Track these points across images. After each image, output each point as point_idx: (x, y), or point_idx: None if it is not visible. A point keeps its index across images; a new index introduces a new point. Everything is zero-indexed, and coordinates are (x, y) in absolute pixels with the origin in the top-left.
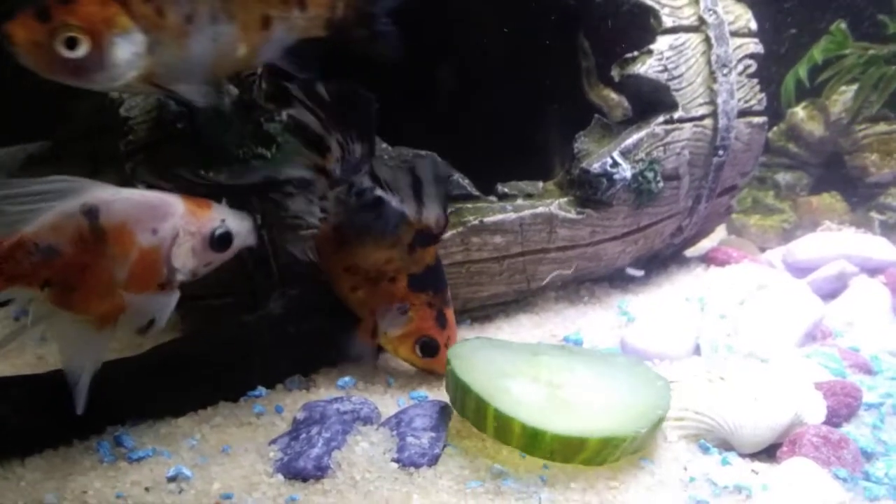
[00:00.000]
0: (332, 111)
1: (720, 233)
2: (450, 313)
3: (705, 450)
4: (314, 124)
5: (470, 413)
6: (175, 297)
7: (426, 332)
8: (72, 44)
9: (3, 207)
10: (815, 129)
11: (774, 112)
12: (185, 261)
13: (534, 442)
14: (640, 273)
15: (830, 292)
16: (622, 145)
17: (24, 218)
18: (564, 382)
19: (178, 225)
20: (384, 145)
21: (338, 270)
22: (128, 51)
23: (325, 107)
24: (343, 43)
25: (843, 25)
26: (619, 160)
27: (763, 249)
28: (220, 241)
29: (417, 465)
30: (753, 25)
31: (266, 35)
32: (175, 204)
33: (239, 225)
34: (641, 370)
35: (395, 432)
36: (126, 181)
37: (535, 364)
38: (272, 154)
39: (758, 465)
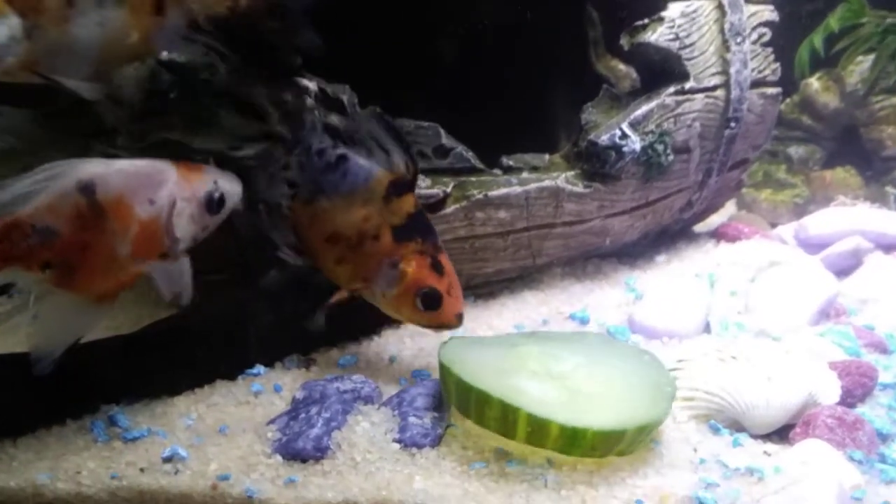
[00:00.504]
0: (243, 64)
1: (730, 208)
2: (445, 259)
3: (716, 430)
4: (234, 84)
5: (492, 421)
6: (187, 263)
7: (423, 282)
8: None
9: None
10: (830, 100)
11: (787, 83)
12: (186, 228)
13: (574, 441)
14: None
15: (844, 269)
16: (631, 117)
17: (18, 200)
18: (564, 373)
19: (174, 192)
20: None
21: (318, 244)
22: (3, 35)
23: (231, 61)
24: (254, 33)
25: None
26: (628, 132)
27: (774, 225)
28: (217, 203)
29: (419, 446)
30: None
31: (159, 21)
32: (167, 171)
33: (230, 185)
34: (621, 347)
35: (396, 412)
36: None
37: (522, 356)
38: None
39: (770, 447)
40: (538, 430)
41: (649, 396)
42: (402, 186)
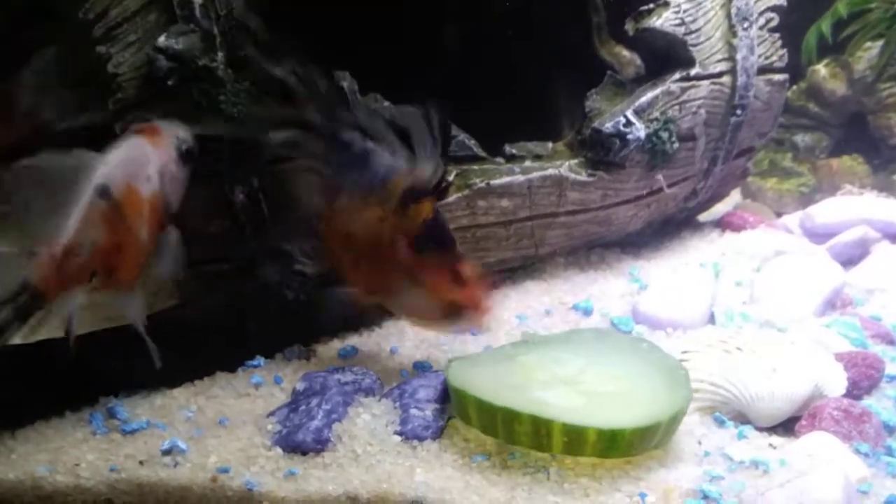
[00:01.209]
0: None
1: (735, 197)
2: (464, 266)
3: (720, 423)
4: (266, 63)
5: (524, 437)
6: (175, 232)
7: (444, 295)
8: None
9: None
10: (837, 87)
11: (794, 70)
12: (174, 190)
13: (612, 444)
14: None
15: (851, 259)
16: (636, 104)
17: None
18: (574, 377)
19: (158, 162)
20: (386, 104)
21: (335, 245)
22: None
23: (258, 42)
24: None
25: None
26: (633, 119)
27: (779, 214)
28: (187, 155)
29: (421, 438)
30: None
31: None
32: (143, 143)
33: (182, 132)
34: (616, 339)
35: (397, 404)
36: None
37: (525, 367)
38: None
39: (775, 439)
40: (575, 439)
41: (666, 384)
42: (420, 192)
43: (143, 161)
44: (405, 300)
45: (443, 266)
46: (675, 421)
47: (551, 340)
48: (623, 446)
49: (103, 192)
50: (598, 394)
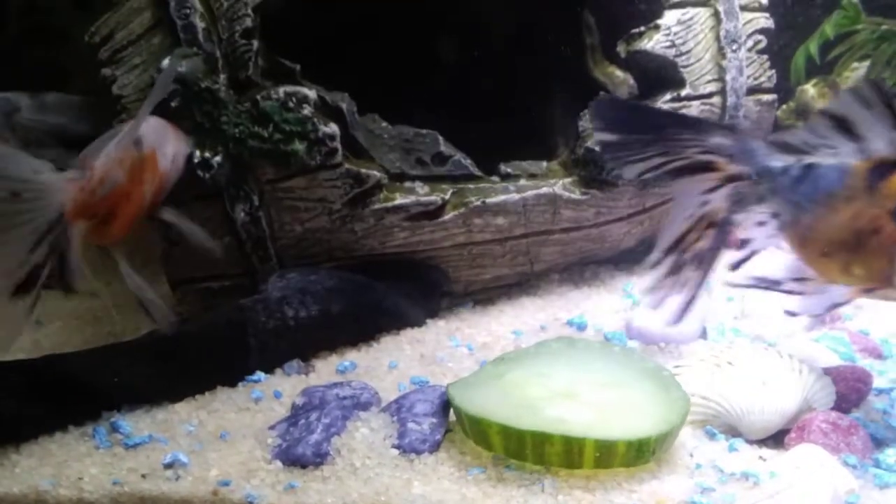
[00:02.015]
0: None
1: None
2: None
3: (712, 436)
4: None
5: (554, 457)
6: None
7: None
8: None
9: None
10: None
11: (783, 90)
12: (172, 181)
13: (639, 454)
14: None
15: None
16: None
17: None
18: (569, 389)
19: (174, 147)
20: (384, 124)
21: (815, 263)
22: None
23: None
24: None
25: None
26: None
27: None
28: (188, 161)
29: (418, 452)
30: None
31: None
32: (168, 127)
33: (183, 140)
34: (588, 346)
35: (395, 418)
36: None
37: (520, 385)
38: (269, 133)
39: (765, 452)
40: (606, 453)
41: (661, 385)
42: (885, 169)
43: (167, 138)
44: None
45: None
46: (685, 420)
47: (524, 355)
48: (647, 454)
49: (137, 140)
50: (604, 404)
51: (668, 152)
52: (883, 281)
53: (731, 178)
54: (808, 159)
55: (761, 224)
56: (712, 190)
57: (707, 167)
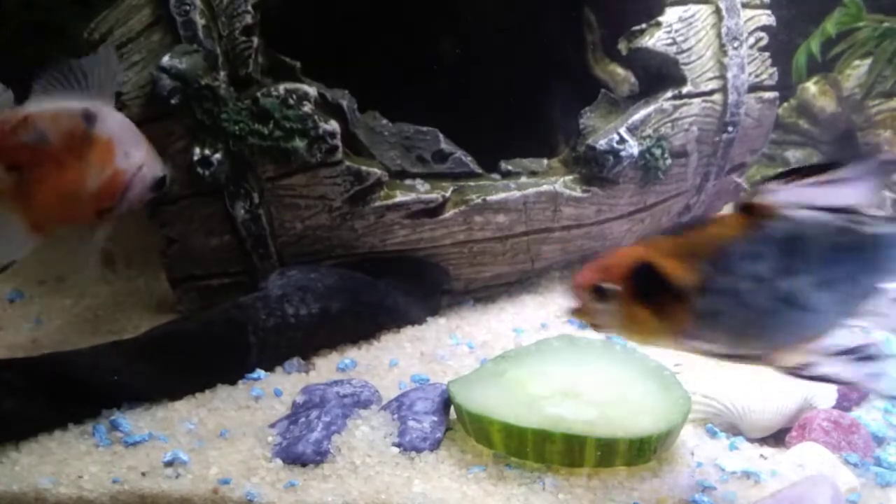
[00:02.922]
0: None
1: (727, 212)
2: None
3: (713, 434)
4: None
5: (556, 455)
6: (109, 229)
7: None
8: None
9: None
10: (827, 104)
11: (784, 87)
12: (136, 194)
13: (640, 452)
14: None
15: None
16: (629, 121)
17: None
18: (571, 388)
19: (145, 158)
20: (384, 121)
21: None
22: None
23: None
24: None
25: None
26: (626, 136)
27: None
28: (159, 185)
29: (419, 450)
30: None
31: None
32: (142, 136)
33: (161, 165)
34: (587, 344)
35: (395, 416)
36: None
37: (522, 383)
38: (269, 130)
39: (766, 450)
40: (607, 451)
41: (662, 383)
42: None
43: (135, 142)
44: None
45: None
46: (686, 418)
47: (525, 353)
48: (648, 453)
49: (88, 116)
50: (605, 403)
51: None
52: None
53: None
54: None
55: None
56: None
57: None
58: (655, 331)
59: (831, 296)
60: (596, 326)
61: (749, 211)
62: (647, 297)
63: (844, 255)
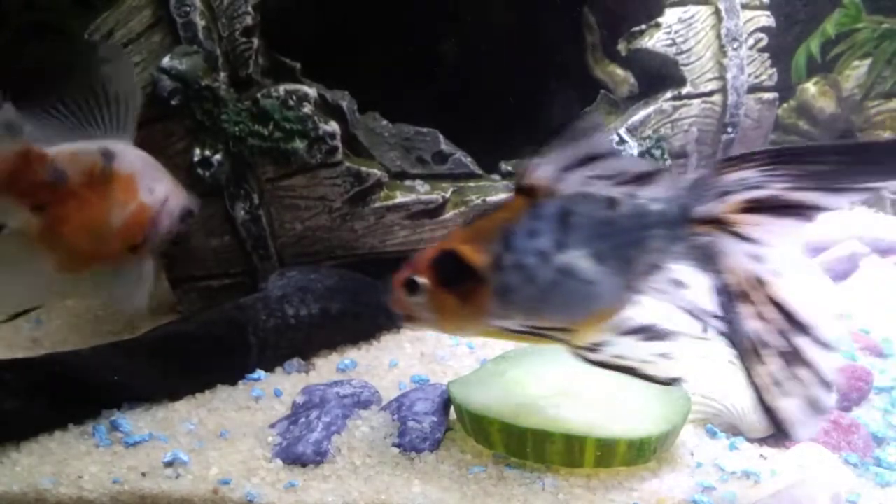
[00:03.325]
0: None
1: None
2: None
3: (713, 434)
4: None
5: (555, 455)
6: (151, 265)
7: None
8: None
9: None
10: (827, 105)
11: (784, 88)
12: (165, 227)
13: (640, 452)
14: None
15: (841, 273)
16: (629, 122)
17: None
18: (568, 387)
19: (170, 191)
20: (384, 122)
21: None
22: None
23: None
24: None
25: None
26: (626, 137)
27: None
28: (187, 216)
29: (419, 450)
30: None
31: None
32: (164, 169)
33: (193, 202)
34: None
35: (395, 416)
36: None
37: (520, 384)
38: (269, 131)
39: (766, 451)
40: (606, 452)
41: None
42: None
43: (158, 176)
44: None
45: None
46: (686, 418)
47: (525, 353)
48: (648, 453)
49: (106, 153)
50: (604, 403)
51: None
52: None
53: None
54: None
55: None
56: None
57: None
58: (464, 316)
59: (605, 269)
60: (411, 319)
61: (526, 192)
62: (450, 284)
63: (614, 229)
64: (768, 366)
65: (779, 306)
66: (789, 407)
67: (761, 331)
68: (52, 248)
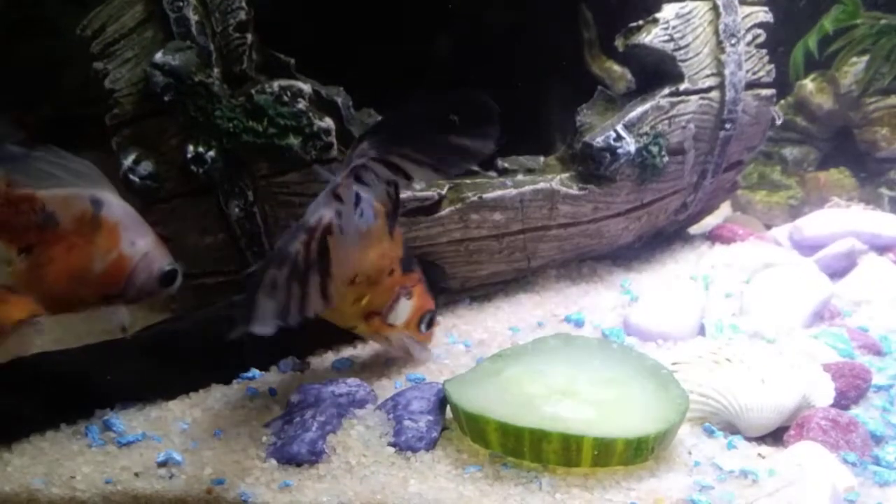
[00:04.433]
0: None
1: (724, 209)
2: (422, 276)
3: (710, 433)
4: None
5: (552, 455)
6: (122, 313)
7: (426, 307)
8: None
9: (34, 164)
10: (824, 102)
11: (782, 85)
12: (141, 283)
13: (638, 452)
14: None
15: (839, 271)
16: (626, 118)
17: (44, 181)
18: (568, 387)
19: (150, 247)
20: (380, 118)
21: (341, 287)
22: None
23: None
24: None
25: None
26: (623, 134)
27: (769, 227)
28: (168, 279)
29: (415, 450)
30: None
31: None
32: (149, 228)
33: (173, 262)
34: (586, 342)
35: (391, 415)
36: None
37: (519, 382)
38: (263, 127)
39: (764, 449)
40: (604, 451)
41: (660, 382)
42: (394, 215)
43: (141, 230)
44: (394, 319)
45: (421, 281)
46: (684, 418)
47: (521, 352)
48: (646, 452)
49: (96, 201)
50: (603, 402)
51: None
52: (378, 317)
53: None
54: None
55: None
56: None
57: None
58: None
59: None
60: None
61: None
62: None
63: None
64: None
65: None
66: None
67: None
68: (30, 289)
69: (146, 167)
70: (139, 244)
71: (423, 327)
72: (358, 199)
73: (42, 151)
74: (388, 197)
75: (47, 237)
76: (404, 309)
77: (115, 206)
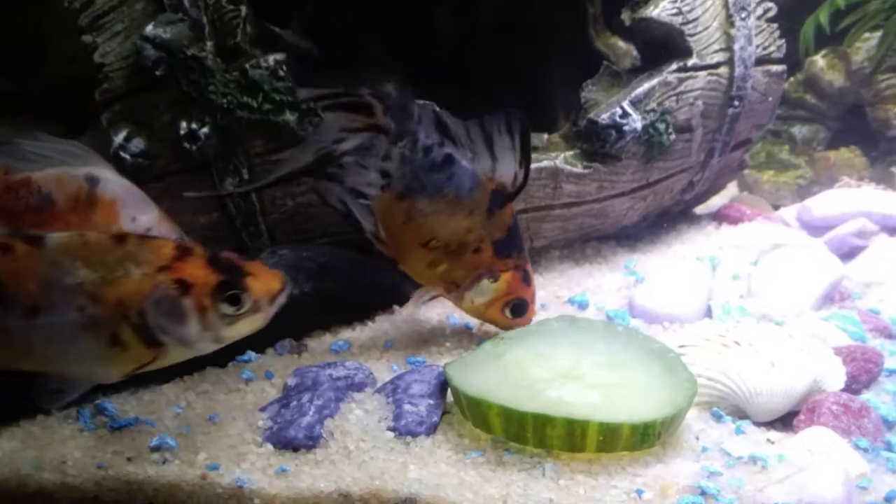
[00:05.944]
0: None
1: (732, 189)
2: (529, 267)
3: (718, 418)
4: (335, 87)
5: (556, 440)
6: None
7: (516, 293)
8: None
9: (24, 149)
10: (835, 79)
11: (792, 61)
12: None
13: (644, 437)
14: None
15: (849, 252)
16: (632, 95)
17: (35, 164)
18: (572, 370)
19: (152, 223)
20: None
21: (410, 246)
22: None
23: (324, 66)
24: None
25: None
26: (629, 110)
27: (777, 207)
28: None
29: (414, 434)
30: None
31: None
32: (152, 203)
33: (177, 232)
34: (590, 325)
35: (390, 399)
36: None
37: (521, 366)
38: (258, 103)
39: (774, 435)
40: (609, 437)
41: (666, 366)
42: (504, 197)
43: (141, 206)
44: (476, 297)
45: (518, 269)
46: (691, 403)
47: (524, 334)
48: (652, 437)
49: (91, 178)
50: (608, 386)
51: (344, 88)
52: (456, 288)
53: (375, 128)
54: (450, 150)
55: (370, 184)
56: (354, 130)
57: (362, 109)
58: None
59: None
60: None
61: None
62: None
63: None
64: None
65: None
66: None
67: None
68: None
69: (137, 144)
70: (140, 220)
71: (507, 312)
72: (447, 161)
73: (29, 136)
74: (497, 174)
75: (45, 217)
76: (486, 290)
77: (112, 183)
